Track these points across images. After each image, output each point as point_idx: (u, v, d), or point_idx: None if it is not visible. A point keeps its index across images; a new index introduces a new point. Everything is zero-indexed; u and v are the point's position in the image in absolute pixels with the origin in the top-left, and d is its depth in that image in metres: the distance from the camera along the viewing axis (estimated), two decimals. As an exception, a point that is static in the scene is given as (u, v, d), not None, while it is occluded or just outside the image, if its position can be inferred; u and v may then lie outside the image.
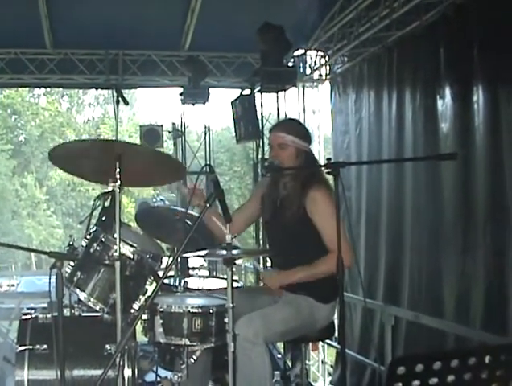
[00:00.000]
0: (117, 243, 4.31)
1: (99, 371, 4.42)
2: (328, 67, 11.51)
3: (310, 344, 6.36)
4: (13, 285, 26.54)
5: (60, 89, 47.90)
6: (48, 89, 50.19)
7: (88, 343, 4.65)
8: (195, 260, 8.00)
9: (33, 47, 11.26)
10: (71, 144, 5.15)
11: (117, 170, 4.24)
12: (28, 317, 4.77)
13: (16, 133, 54.29)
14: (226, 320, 4.26)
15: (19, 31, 10.51)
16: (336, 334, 5.49)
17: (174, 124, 13.00)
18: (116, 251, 4.33)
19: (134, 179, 4.55)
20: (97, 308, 4.71)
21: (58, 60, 11.48)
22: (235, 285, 4.50)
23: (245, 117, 10.90)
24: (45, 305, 5.21)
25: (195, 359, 4.60)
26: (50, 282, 3.96)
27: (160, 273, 4.91)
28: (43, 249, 4.64)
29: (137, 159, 4.39)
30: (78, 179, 47.45)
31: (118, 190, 4.26)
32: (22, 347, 4.59)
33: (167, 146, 14.38)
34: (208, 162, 11.50)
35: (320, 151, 11.87)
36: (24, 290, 19.69)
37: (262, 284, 5.24)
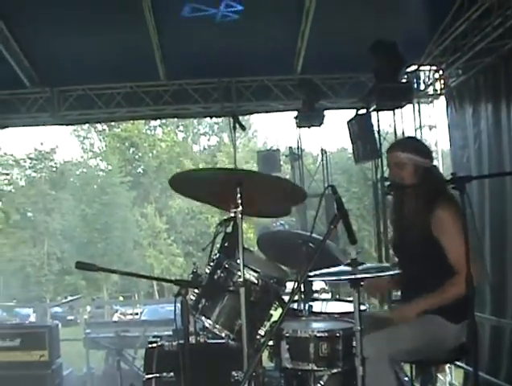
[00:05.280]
0: (241, 269, 4.29)
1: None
2: (442, 81, 11.27)
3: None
4: (136, 314, 27.02)
5: (175, 120, 48.80)
6: (164, 120, 51.22)
7: (215, 370, 4.64)
8: (316, 283, 7.92)
9: (148, 79, 11.48)
10: (191, 173, 5.17)
11: (238, 195, 4.23)
12: (154, 345, 4.80)
13: (134, 165, 55.68)
14: (354, 343, 4.17)
15: (133, 65, 10.75)
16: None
17: (291, 148, 13.00)
18: (240, 277, 4.31)
19: (254, 207, 4.53)
20: (223, 335, 4.66)
21: (172, 91, 11.65)
22: (361, 307, 4.39)
23: (362, 136, 10.80)
24: (170, 333, 5.24)
25: (322, 384, 4.50)
26: (175, 310, 3.96)
27: (285, 298, 4.85)
28: (164, 277, 4.70)
29: (257, 186, 4.38)
30: (197, 208, 48.32)
31: (240, 216, 4.24)
32: (149, 375, 4.61)
33: (284, 170, 14.42)
34: (328, 184, 11.45)
35: (439, 167, 11.65)
36: (148, 318, 20.00)
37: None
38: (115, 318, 28.73)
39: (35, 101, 11.66)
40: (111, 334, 9.65)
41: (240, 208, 4.26)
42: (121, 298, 47.82)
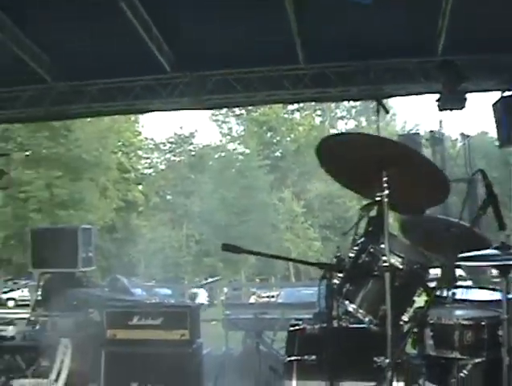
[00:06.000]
0: (387, 253, 4.23)
1: (368, 384, 4.35)
2: None
3: None
4: (272, 297, 27.17)
5: (313, 104, 48.83)
6: (301, 104, 51.35)
7: (357, 355, 4.60)
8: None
9: (286, 63, 11.47)
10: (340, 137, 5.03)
11: (385, 178, 4.17)
12: (296, 328, 4.81)
13: (272, 149, 56.14)
14: (500, 332, 4.05)
15: (272, 49, 10.78)
16: None
17: (432, 131, 12.74)
18: (385, 262, 4.26)
19: (399, 194, 4.44)
20: (366, 319, 4.62)
21: (311, 75, 11.60)
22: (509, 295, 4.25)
23: (508, 120, 10.47)
24: (310, 316, 5.23)
25: (465, 373, 4.39)
26: (319, 293, 3.96)
27: (430, 284, 4.75)
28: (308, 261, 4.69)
29: (404, 169, 4.29)
30: (335, 192, 48.24)
31: (386, 200, 4.19)
32: (291, 358, 4.62)
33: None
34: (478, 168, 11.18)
35: None
36: (284, 301, 20.09)
37: None
38: (251, 301, 29.06)
39: (175, 86, 11.88)
40: (250, 316, 9.75)
41: (386, 192, 4.19)
42: (257, 281, 48.36)
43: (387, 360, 4.22)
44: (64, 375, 7.69)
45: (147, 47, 10.61)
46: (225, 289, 33.93)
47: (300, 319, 5.04)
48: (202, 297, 28.62)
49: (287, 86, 11.69)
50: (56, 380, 7.72)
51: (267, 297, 28.31)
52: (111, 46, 10.71)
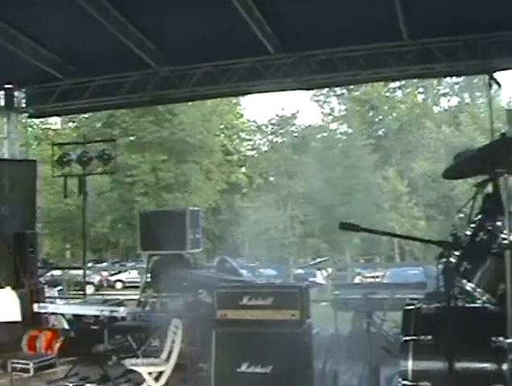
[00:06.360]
0: (507, 230, 4.13)
1: (485, 365, 4.28)
2: None
3: None
4: (377, 277, 27.07)
5: (415, 81, 48.07)
6: (403, 82, 50.61)
7: (474, 335, 4.51)
8: None
9: (390, 40, 11.32)
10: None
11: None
12: (412, 307, 4.76)
13: (375, 128, 55.53)
14: None
15: (376, 26, 10.65)
16: None
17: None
18: (504, 239, 4.15)
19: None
20: (484, 299, 4.53)
21: (416, 51, 11.42)
22: None
23: None
24: (421, 296, 5.16)
25: None
26: (438, 272, 3.89)
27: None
28: (427, 239, 4.63)
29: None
30: (440, 170, 47.37)
31: (506, 176, 4.09)
32: (407, 338, 4.57)
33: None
34: None
35: None
36: (390, 281, 19.94)
37: None
38: (356, 281, 28.98)
39: (278, 67, 11.91)
40: (359, 296, 9.69)
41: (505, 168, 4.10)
42: (361, 261, 48.16)
43: (508, 341, 4.13)
44: (174, 355, 7.81)
45: (250, 30, 10.65)
46: (330, 270, 33.91)
47: (415, 299, 4.98)
48: (320, 277, 28.71)
49: (391, 63, 11.55)
50: (167, 360, 7.85)
51: (372, 277, 28.25)
52: (214, 30, 10.78)
